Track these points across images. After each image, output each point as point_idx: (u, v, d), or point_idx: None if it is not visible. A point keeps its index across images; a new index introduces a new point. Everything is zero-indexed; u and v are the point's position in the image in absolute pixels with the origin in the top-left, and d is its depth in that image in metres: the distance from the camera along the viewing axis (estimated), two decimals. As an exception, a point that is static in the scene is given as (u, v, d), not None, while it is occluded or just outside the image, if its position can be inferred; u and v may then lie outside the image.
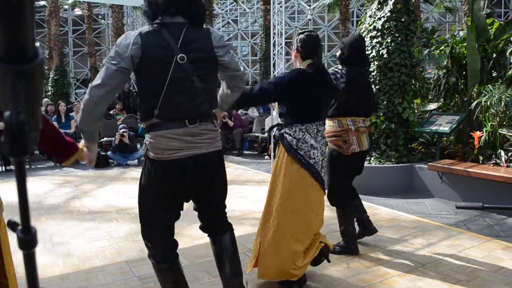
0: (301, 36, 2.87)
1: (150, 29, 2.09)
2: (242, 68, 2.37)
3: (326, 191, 3.53)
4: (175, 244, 2.35)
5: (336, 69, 3.42)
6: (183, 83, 2.08)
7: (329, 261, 2.99)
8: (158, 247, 2.29)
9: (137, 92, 2.24)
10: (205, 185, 2.26)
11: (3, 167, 7.86)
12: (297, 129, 2.77)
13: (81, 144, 2.17)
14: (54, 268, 3.36)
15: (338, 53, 3.56)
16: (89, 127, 2.14)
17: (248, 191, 5.95)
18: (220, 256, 2.48)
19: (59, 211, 5.05)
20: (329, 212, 4.64)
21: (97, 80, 2.03)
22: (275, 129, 2.95)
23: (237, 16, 25.59)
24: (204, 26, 2.23)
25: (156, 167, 2.15)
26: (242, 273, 2.55)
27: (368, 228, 3.73)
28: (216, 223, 2.48)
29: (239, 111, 10.21)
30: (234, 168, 7.92)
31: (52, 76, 16.95)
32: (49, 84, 17.00)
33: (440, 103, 6.68)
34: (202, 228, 2.51)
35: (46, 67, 19.47)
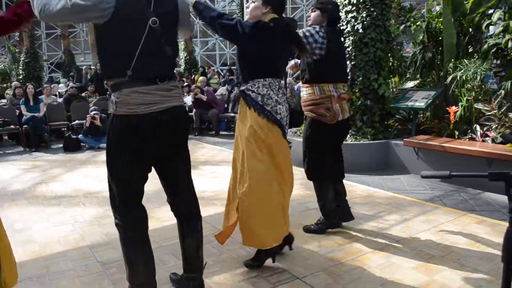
0: None
1: None
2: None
3: (305, 164, 3.39)
4: (145, 212, 2.28)
5: (313, 29, 3.12)
6: (154, 45, 2.06)
7: (291, 249, 2.96)
8: (128, 214, 2.20)
9: (101, 49, 2.12)
10: (177, 144, 2.23)
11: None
12: (260, 85, 2.63)
13: None
14: (12, 256, 3.17)
15: (313, 14, 3.23)
16: None
17: (221, 171, 5.78)
18: (185, 240, 2.41)
19: (24, 197, 4.83)
20: (304, 191, 4.57)
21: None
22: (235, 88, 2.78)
23: (214, -4, 25.07)
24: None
25: (128, 122, 2.06)
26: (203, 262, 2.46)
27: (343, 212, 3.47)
28: (185, 201, 2.38)
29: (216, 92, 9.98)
30: (209, 149, 7.73)
31: (23, 59, 16.34)
32: (20, 68, 16.40)
33: (418, 81, 6.59)
34: (171, 206, 2.42)
35: (17, 50, 18.79)
